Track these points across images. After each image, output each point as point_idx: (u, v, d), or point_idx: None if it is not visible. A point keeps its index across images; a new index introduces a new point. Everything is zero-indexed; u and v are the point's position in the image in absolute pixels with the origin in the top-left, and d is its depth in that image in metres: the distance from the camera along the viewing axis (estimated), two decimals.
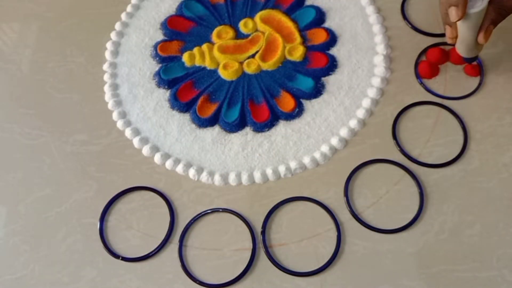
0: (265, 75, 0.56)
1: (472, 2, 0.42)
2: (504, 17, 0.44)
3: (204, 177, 0.50)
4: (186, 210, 0.49)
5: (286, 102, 0.54)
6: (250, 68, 0.56)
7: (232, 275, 0.45)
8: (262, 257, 0.46)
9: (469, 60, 0.50)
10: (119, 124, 0.54)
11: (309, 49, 0.57)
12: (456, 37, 0.47)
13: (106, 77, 0.57)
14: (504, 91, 0.52)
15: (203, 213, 0.48)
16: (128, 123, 0.54)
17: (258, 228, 0.47)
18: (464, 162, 0.49)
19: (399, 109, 0.52)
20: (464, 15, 0.42)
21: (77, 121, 0.55)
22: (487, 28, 0.44)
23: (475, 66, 0.53)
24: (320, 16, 0.59)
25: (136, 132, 0.53)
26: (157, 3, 0.62)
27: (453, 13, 0.42)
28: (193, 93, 0.55)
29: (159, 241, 0.47)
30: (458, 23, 0.44)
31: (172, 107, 0.55)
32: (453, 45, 0.48)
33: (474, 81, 0.52)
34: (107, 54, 0.59)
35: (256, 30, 0.59)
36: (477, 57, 0.50)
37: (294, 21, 0.59)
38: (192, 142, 0.52)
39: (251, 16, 0.59)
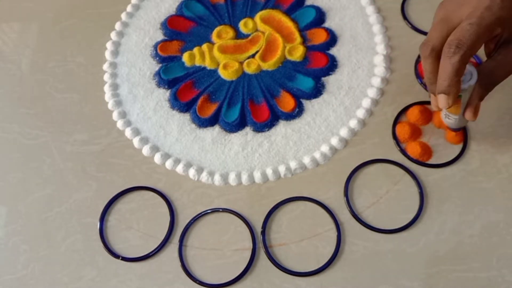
0: (265, 75, 0.56)
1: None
2: (490, 91, 0.41)
3: (204, 177, 0.50)
4: (186, 210, 0.49)
5: (286, 102, 0.54)
6: (250, 68, 0.56)
7: (232, 275, 0.45)
8: (262, 257, 0.46)
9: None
10: (119, 124, 0.54)
11: (309, 49, 0.57)
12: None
13: (106, 77, 0.57)
14: (504, 91, 0.52)
15: (203, 213, 0.48)
16: (128, 123, 0.54)
17: (258, 228, 0.47)
18: (464, 162, 0.49)
19: (399, 109, 0.52)
20: (453, 105, 0.39)
21: (77, 121, 0.55)
22: (476, 105, 0.41)
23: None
24: (320, 16, 0.59)
25: (136, 132, 0.53)
26: (157, 3, 0.62)
27: (443, 100, 0.39)
28: (193, 93, 0.55)
29: (159, 241, 0.47)
30: None
31: (172, 107, 0.55)
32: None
33: None
34: (107, 54, 0.59)
35: (256, 30, 0.59)
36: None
37: (294, 21, 0.59)
38: (192, 142, 0.52)
39: (251, 16, 0.59)
